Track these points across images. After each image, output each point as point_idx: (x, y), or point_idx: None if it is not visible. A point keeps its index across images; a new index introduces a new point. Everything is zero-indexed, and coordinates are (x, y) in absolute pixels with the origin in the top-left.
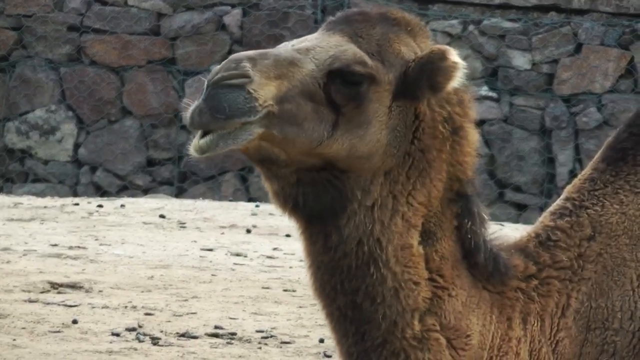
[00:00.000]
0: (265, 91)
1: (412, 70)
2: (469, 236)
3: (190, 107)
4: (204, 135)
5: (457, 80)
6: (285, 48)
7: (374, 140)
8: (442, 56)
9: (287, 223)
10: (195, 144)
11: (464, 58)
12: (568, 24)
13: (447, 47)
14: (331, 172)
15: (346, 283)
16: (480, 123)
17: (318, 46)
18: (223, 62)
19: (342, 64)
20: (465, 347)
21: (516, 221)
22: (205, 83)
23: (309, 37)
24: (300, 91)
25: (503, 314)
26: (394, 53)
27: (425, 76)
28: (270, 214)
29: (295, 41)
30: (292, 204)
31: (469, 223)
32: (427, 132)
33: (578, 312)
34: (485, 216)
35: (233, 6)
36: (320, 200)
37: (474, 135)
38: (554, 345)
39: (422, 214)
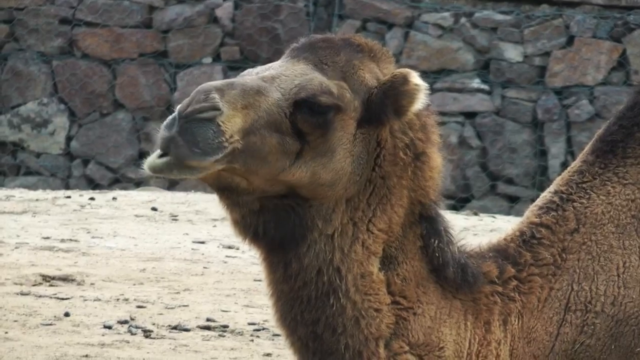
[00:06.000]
0: (232, 124)
1: (376, 96)
2: (437, 254)
3: (160, 131)
4: (162, 155)
5: (420, 103)
6: (251, 77)
7: (337, 168)
8: (404, 80)
9: None
10: (151, 162)
11: (456, 50)
12: (560, 16)
13: (409, 70)
14: (294, 200)
15: (306, 314)
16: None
17: (283, 74)
18: (192, 93)
19: (308, 93)
20: (439, 359)
21: (508, 213)
22: (177, 113)
23: (273, 64)
24: (266, 122)
25: (479, 319)
26: (358, 80)
27: (389, 101)
28: None
29: (259, 68)
30: (252, 234)
31: (436, 242)
32: (387, 159)
33: (556, 297)
34: (452, 232)
35: None
36: (281, 229)
37: (436, 160)
38: (529, 338)
39: (382, 240)
